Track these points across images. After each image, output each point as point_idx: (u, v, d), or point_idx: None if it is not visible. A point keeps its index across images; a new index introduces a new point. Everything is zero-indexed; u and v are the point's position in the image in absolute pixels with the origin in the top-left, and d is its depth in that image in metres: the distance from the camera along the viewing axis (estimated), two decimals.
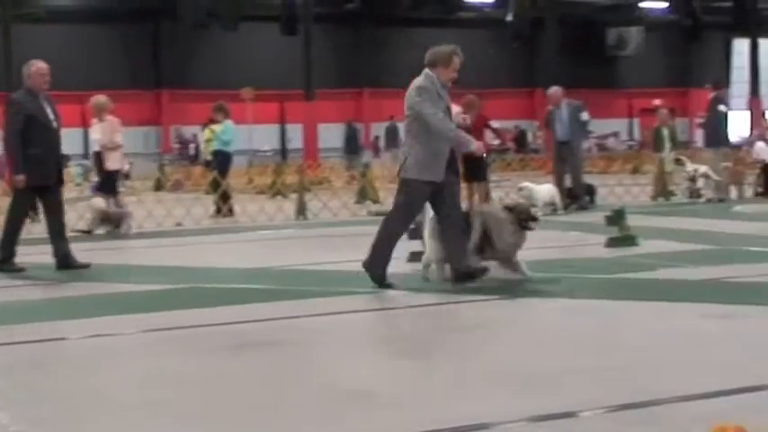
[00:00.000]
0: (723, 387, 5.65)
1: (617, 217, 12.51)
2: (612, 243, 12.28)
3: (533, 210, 10.75)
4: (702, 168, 19.94)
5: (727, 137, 20.74)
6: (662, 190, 20.99)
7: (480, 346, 7.10)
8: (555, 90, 18.96)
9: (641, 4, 44.83)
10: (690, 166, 20.30)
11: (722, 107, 20.16)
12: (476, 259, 9.67)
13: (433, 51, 9.63)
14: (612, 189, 20.90)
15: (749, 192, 21.12)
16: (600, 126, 46.15)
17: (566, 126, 18.39)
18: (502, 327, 7.87)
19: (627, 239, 12.36)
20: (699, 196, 19.85)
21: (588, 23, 47.29)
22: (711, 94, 20.71)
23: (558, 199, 17.78)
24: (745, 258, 11.26)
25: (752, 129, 39.99)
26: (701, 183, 19.88)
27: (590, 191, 19.24)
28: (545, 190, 17.82)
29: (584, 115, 18.62)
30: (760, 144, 21.98)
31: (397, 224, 9.66)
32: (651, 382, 5.85)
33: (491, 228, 9.77)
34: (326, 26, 41.71)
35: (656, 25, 47.32)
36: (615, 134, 46.63)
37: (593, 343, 7.12)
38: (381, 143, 38.24)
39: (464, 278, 9.40)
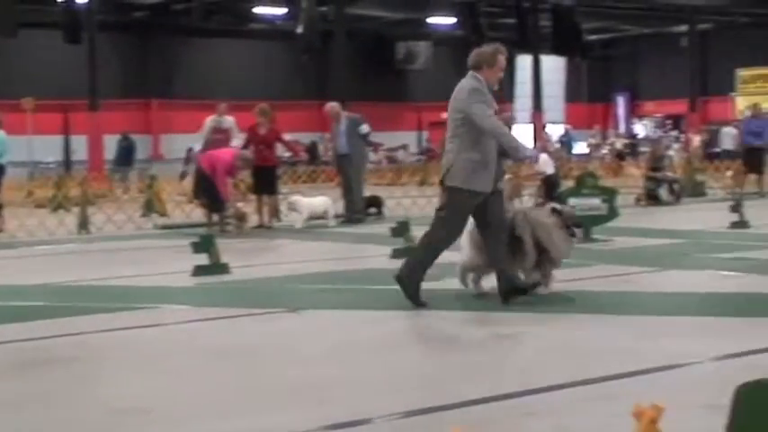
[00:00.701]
0: (502, 391, 5.75)
1: (402, 228, 12.67)
2: (398, 254, 12.42)
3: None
4: None
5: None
6: None
7: (265, 360, 7.01)
8: (332, 105, 19.25)
9: (429, 20, 45.72)
10: None
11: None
12: (535, 274, 9.16)
13: (476, 53, 9.08)
14: (400, 201, 21.20)
15: (530, 203, 21.78)
16: (389, 139, 46.91)
17: (345, 139, 18.60)
18: (286, 339, 7.79)
19: (412, 251, 12.49)
20: None
21: (378, 37, 47.93)
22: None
23: (332, 211, 17.90)
24: None
25: (535, 142, 41.47)
26: None
27: (377, 203, 19.49)
28: (318, 202, 17.96)
29: (364, 128, 18.85)
30: (543, 156, 22.69)
31: (441, 237, 8.94)
32: (429, 389, 5.90)
33: (541, 236, 9.12)
34: (112, 35, 40.73)
35: (444, 40, 48.35)
36: (404, 146, 47.39)
37: (372, 353, 7.13)
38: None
39: (513, 294, 8.86)
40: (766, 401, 2.64)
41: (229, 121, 19.68)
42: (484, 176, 8.69)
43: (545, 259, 9.11)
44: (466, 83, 8.96)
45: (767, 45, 47.53)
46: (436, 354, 7.08)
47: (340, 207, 19.05)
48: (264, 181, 17.79)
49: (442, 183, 8.98)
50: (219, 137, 19.12)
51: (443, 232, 8.93)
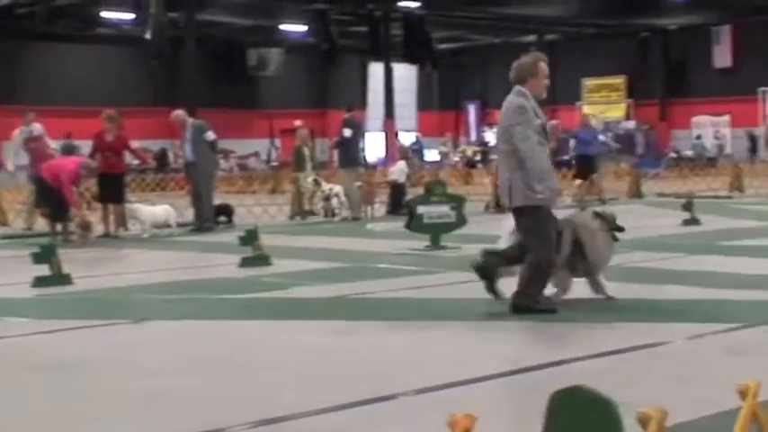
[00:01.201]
0: (346, 401, 5.72)
1: (250, 237, 12.56)
2: (246, 263, 12.31)
3: None
4: (337, 188, 20.50)
5: (360, 157, 21.48)
6: (299, 209, 21.41)
7: (107, 373, 6.82)
8: (177, 114, 19.05)
9: (281, 27, 45.62)
10: (325, 186, 20.81)
11: (346, 131, 20.78)
12: (566, 275, 8.89)
13: (517, 66, 8.74)
14: (251, 209, 21.04)
15: (382, 210, 21.92)
16: (241, 146, 46.59)
17: (191, 147, 18.39)
18: (130, 351, 7.60)
19: (260, 259, 12.42)
20: (334, 215, 20.39)
21: (229, 44, 47.57)
22: (346, 115, 21.38)
23: (173, 220, 17.65)
24: (374, 275, 11.62)
25: (387, 149, 41.83)
26: (335, 202, 20.42)
27: (227, 211, 19.30)
28: (159, 211, 17.66)
29: (209, 135, 18.67)
30: (399, 164, 22.88)
31: (543, 253, 8.51)
32: (276, 400, 5.84)
33: (583, 238, 8.86)
34: None
35: (295, 47, 48.32)
36: (256, 154, 47.15)
37: (219, 364, 7.03)
38: None
39: (524, 310, 8.46)
40: (579, 408, 2.68)
41: (38, 128, 19.55)
42: (540, 189, 8.50)
43: (579, 261, 8.91)
44: (513, 100, 8.67)
45: (612, 55, 49.06)
46: (283, 364, 7.01)
47: (190, 215, 18.81)
48: (111, 189, 17.41)
49: (499, 203, 8.79)
50: (35, 146, 18.77)
51: (543, 248, 8.54)
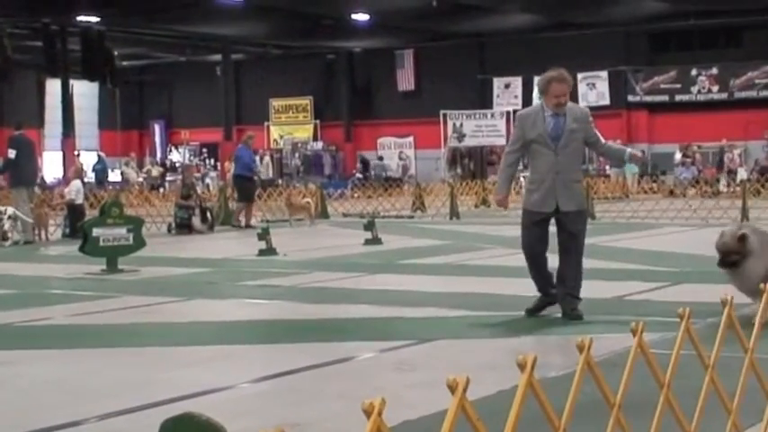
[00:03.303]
0: None
1: None
2: None
3: None
4: (10, 210, 19.38)
5: (31, 177, 20.48)
6: None
7: None
8: None
9: None
10: None
11: (11, 152, 19.72)
12: None
13: (539, 79, 9.17)
14: None
15: (58, 233, 20.92)
16: None
17: None
18: None
19: None
20: (6, 239, 19.23)
21: None
22: (15, 133, 20.30)
23: None
24: (44, 301, 11.06)
25: (65, 169, 40.23)
26: (7, 225, 19.28)
27: None
28: None
29: None
30: (75, 183, 21.87)
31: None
32: None
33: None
34: None
35: None
36: None
37: None
38: None
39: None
40: None
41: None
42: (535, 196, 8.91)
43: None
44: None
45: (299, 76, 49.66)
46: None
47: None
48: None
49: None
50: None
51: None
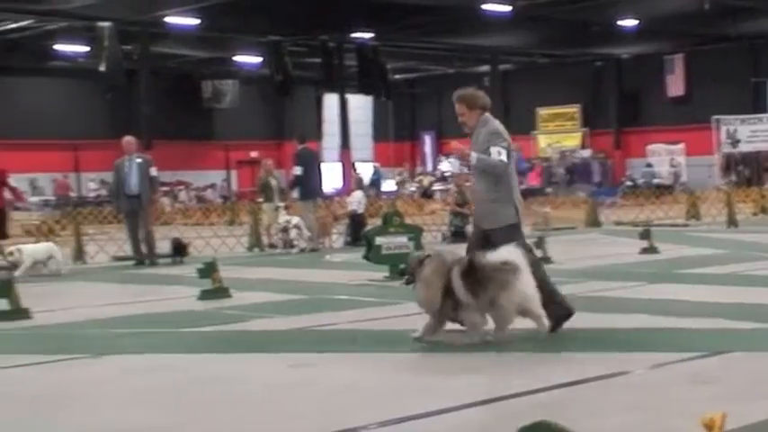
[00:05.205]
0: None
1: (209, 269, 12.48)
2: (205, 296, 12.23)
3: None
4: (295, 219, 20.44)
5: (317, 189, 21.37)
6: (258, 241, 21.37)
7: (66, 408, 6.73)
8: (129, 139, 18.73)
9: (235, 58, 45.63)
10: (282, 217, 20.75)
11: (297, 169, 20.55)
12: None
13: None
14: (208, 241, 20.93)
15: (340, 241, 21.87)
16: (197, 178, 46.45)
17: (137, 180, 18.19)
18: (90, 386, 7.51)
19: (219, 291, 12.35)
20: (292, 246, 20.31)
21: (184, 76, 47.49)
22: (298, 148, 21.25)
23: (59, 257, 16.94)
24: (333, 306, 11.55)
25: (344, 179, 41.82)
26: (293, 233, 20.35)
27: (181, 247, 18.85)
28: (41, 249, 16.94)
29: (153, 171, 18.52)
30: (357, 194, 22.83)
31: None
32: None
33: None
34: None
35: (250, 79, 48.33)
36: (213, 186, 46.99)
37: (178, 398, 6.96)
38: None
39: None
40: None
41: None
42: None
43: None
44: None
45: (566, 85, 49.44)
46: (242, 397, 6.95)
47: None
48: None
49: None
50: None
51: None
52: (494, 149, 8.95)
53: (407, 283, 8.90)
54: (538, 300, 8.51)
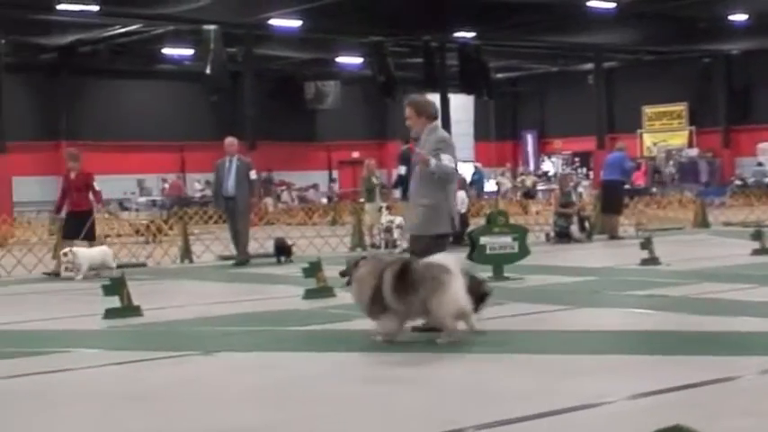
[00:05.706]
0: None
1: (313, 269, 12.58)
2: (310, 295, 12.34)
3: None
4: (398, 219, 20.48)
5: None
6: (361, 240, 21.46)
7: (179, 404, 6.85)
8: (230, 140, 18.85)
9: (337, 59, 45.95)
10: (385, 217, 20.81)
11: (402, 168, 20.54)
12: None
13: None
14: (312, 241, 21.09)
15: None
16: (300, 178, 46.87)
17: (233, 182, 18.37)
18: (200, 383, 7.63)
19: (324, 291, 12.44)
20: (395, 246, 20.36)
21: (287, 77, 47.96)
22: (402, 148, 21.29)
23: (111, 261, 16.80)
24: None
25: None
26: (396, 233, 20.39)
27: (285, 248, 18.94)
28: (95, 252, 16.79)
29: (253, 173, 18.69)
30: (460, 194, 22.71)
31: None
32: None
33: None
34: (20, 76, 40.22)
35: (352, 80, 48.58)
36: (315, 186, 47.36)
37: (288, 395, 7.02)
38: None
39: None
40: None
41: None
42: None
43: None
44: None
45: (672, 82, 48.61)
46: (349, 395, 6.99)
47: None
48: (75, 227, 17.06)
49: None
50: None
51: None
52: (445, 156, 9.46)
53: (347, 284, 9.23)
54: (469, 303, 8.77)
